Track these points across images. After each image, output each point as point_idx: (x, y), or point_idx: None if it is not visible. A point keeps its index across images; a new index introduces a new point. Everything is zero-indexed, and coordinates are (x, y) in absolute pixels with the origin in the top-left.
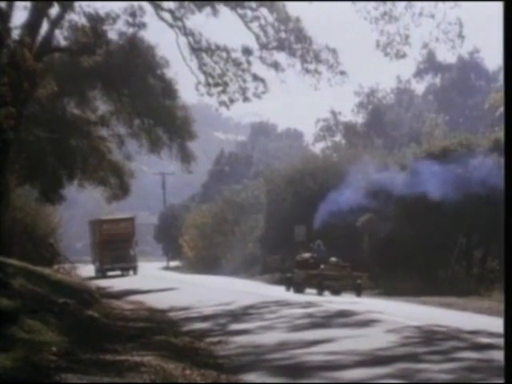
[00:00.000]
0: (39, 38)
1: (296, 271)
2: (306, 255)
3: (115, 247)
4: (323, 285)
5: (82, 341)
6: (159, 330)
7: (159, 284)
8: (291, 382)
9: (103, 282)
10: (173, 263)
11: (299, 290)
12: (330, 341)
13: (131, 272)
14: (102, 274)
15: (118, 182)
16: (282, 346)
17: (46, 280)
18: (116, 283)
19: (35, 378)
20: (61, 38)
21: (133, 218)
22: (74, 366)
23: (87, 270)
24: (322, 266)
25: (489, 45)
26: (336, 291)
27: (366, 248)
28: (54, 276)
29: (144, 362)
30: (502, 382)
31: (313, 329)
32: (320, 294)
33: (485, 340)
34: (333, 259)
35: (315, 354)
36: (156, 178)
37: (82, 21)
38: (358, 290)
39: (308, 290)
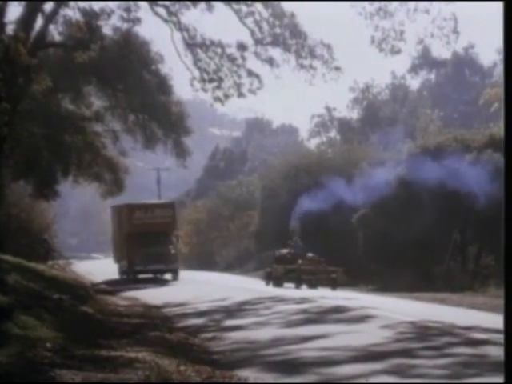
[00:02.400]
0: (34, 34)
1: (275, 266)
2: (284, 251)
3: (150, 242)
4: (300, 279)
5: (77, 337)
6: (154, 326)
7: (154, 280)
8: (286, 377)
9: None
10: None
11: (278, 284)
12: (325, 336)
13: (168, 275)
14: (128, 275)
15: (112, 178)
16: (276, 342)
17: (41, 276)
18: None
19: (30, 373)
20: (55, 33)
21: (173, 203)
22: (69, 361)
23: (82, 266)
24: (300, 261)
25: (484, 41)
26: (313, 285)
27: (361, 244)
28: (49, 272)
29: (139, 358)
30: (496, 377)
31: (307, 324)
32: (297, 287)
33: (479, 336)
34: (309, 255)
35: (310, 350)
36: (151, 173)
37: (76, 16)
38: (334, 284)
39: (286, 284)
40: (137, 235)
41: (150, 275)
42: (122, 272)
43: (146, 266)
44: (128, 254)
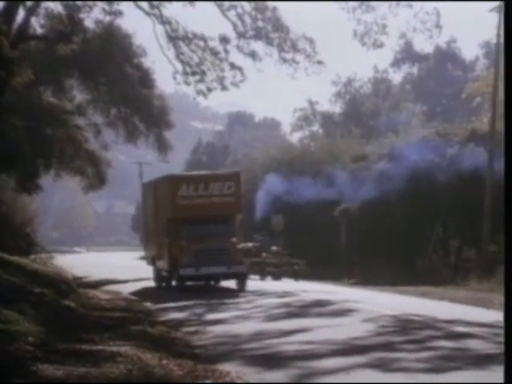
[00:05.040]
0: (15, 26)
1: None
2: (249, 244)
3: (204, 233)
4: (264, 271)
5: (59, 331)
6: (136, 320)
7: (136, 273)
8: (268, 371)
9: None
10: None
11: None
12: (306, 330)
13: (230, 282)
14: (169, 282)
15: (94, 172)
16: (258, 336)
17: (23, 270)
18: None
19: (11, 368)
20: (37, 25)
21: (238, 173)
22: (51, 356)
23: (64, 260)
24: (264, 254)
25: (466, 35)
26: (276, 277)
27: (344, 237)
28: (31, 266)
29: (121, 352)
30: (478, 371)
31: (289, 318)
32: (262, 279)
33: (461, 329)
34: (274, 248)
35: (291, 344)
36: (133, 167)
37: (58, 8)
38: (296, 276)
39: (252, 276)
40: (183, 222)
41: (202, 281)
42: (159, 277)
43: (197, 270)
44: (170, 251)
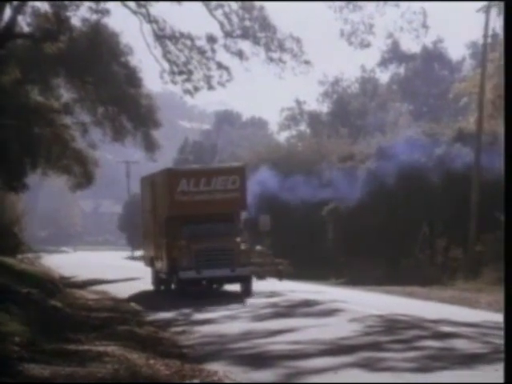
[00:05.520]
0: (2, 25)
1: None
2: None
3: (205, 232)
4: None
5: (45, 331)
6: (123, 320)
7: (123, 273)
8: (255, 370)
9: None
10: (137, 252)
11: None
12: (294, 330)
13: (233, 286)
14: (168, 286)
15: (81, 171)
16: (245, 336)
17: (10, 270)
18: None
19: None
20: (24, 24)
21: (243, 167)
22: (37, 356)
23: (51, 260)
24: None
25: (453, 35)
26: (260, 276)
27: (331, 237)
28: (18, 266)
29: (107, 352)
30: (464, 370)
31: (276, 318)
32: None
33: (447, 329)
34: (258, 247)
35: (279, 344)
36: (120, 166)
37: (44, 7)
38: (280, 275)
39: None
40: (183, 221)
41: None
42: (157, 280)
43: (198, 272)
44: (168, 252)
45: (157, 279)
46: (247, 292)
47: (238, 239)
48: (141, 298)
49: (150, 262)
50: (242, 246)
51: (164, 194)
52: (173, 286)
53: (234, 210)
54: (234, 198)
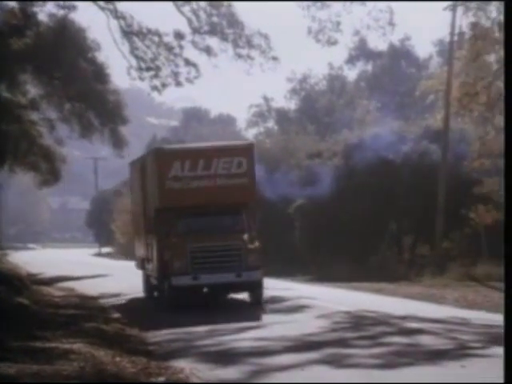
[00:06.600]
0: None
1: None
2: None
3: (205, 228)
4: None
5: (12, 328)
6: (90, 317)
7: (91, 270)
8: (221, 367)
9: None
10: (104, 249)
11: None
12: (260, 327)
13: (241, 294)
14: (161, 292)
15: (49, 167)
16: (211, 333)
17: None
18: None
19: None
20: None
21: (251, 145)
22: (3, 354)
23: (19, 256)
24: None
25: (419, 33)
26: None
27: (298, 234)
28: None
29: (74, 350)
30: (430, 366)
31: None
32: None
33: (414, 325)
34: None
35: (245, 340)
36: (88, 162)
37: (11, 3)
38: None
39: None
40: (177, 213)
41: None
42: (148, 286)
43: (196, 278)
44: (159, 253)
45: (148, 284)
46: (257, 302)
47: (245, 236)
48: (126, 307)
49: (141, 263)
50: (251, 245)
51: (153, 180)
52: (167, 295)
53: (240, 199)
54: (240, 184)
